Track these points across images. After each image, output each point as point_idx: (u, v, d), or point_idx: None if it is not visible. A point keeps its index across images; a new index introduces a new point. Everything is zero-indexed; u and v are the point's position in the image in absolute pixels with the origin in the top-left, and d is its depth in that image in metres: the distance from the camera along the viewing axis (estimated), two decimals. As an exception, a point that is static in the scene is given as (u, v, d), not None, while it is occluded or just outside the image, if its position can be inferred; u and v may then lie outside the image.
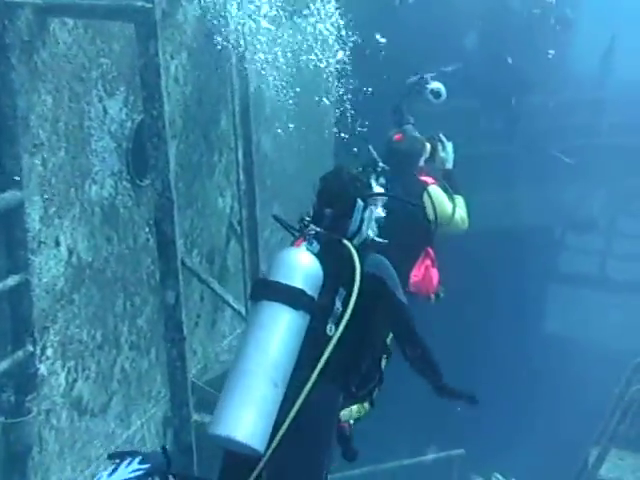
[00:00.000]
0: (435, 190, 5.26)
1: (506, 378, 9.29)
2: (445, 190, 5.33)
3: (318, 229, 3.44)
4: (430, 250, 5.24)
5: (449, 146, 5.56)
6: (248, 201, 5.02)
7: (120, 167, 4.60)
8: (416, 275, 5.12)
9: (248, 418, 3.04)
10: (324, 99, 7.42)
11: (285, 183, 6.88)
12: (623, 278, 12.57)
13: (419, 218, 5.08)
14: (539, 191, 10.47)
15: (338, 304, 3.35)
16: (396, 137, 5.37)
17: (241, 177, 4.98)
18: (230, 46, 4.81)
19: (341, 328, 3.27)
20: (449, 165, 5.56)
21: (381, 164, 4.93)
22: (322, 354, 3.25)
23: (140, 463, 2.79)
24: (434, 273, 5.23)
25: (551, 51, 9.54)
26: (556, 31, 9.85)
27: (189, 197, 5.40)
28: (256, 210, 5.07)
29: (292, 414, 3.16)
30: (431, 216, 5.16)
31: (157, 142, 3.97)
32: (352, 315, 3.31)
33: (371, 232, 3.64)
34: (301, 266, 3.28)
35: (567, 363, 9.82)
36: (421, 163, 5.42)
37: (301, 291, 3.24)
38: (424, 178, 5.33)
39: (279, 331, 3.16)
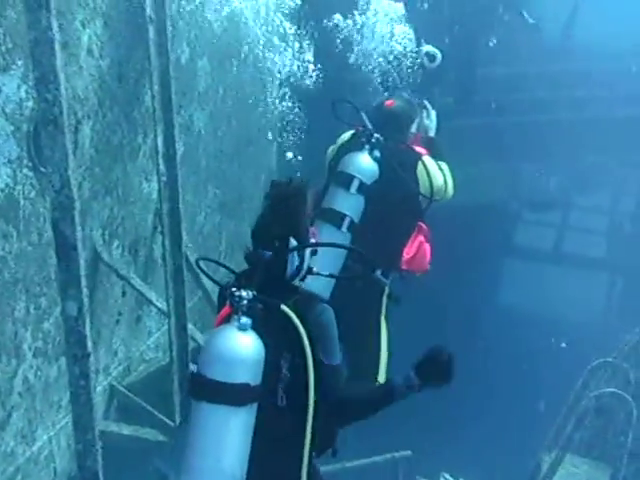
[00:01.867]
0: (429, 161, 4.88)
1: (459, 355, 9.08)
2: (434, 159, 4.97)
3: (250, 295, 2.99)
4: (422, 225, 4.91)
5: (433, 113, 5.23)
6: (170, 194, 4.46)
7: (19, 153, 4.00)
8: (408, 252, 4.84)
9: None
10: (266, 71, 6.88)
11: (222, 164, 6.32)
12: (578, 252, 12.45)
13: (412, 192, 4.76)
14: (495, 168, 10.13)
15: (285, 370, 3.06)
16: (387, 102, 4.95)
17: (162, 167, 4.40)
18: (147, 17, 4.21)
19: (311, 406, 3.02)
20: (432, 133, 5.23)
21: (376, 135, 4.69)
22: (276, 430, 3.04)
23: None
24: (427, 249, 4.93)
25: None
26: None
27: (108, 183, 4.82)
28: (179, 204, 4.51)
29: None
30: (426, 190, 4.80)
31: (53, 131, 3.39)
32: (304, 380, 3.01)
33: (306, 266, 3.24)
34: (241, 357, 2.94)
35: (521, 337, 9.66)
36: (413, 129, 5.04)
37: (245, 386, 2.93)
38: (417, 148, 4.96)
39: (228, 435, 2.92)
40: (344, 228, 4.60)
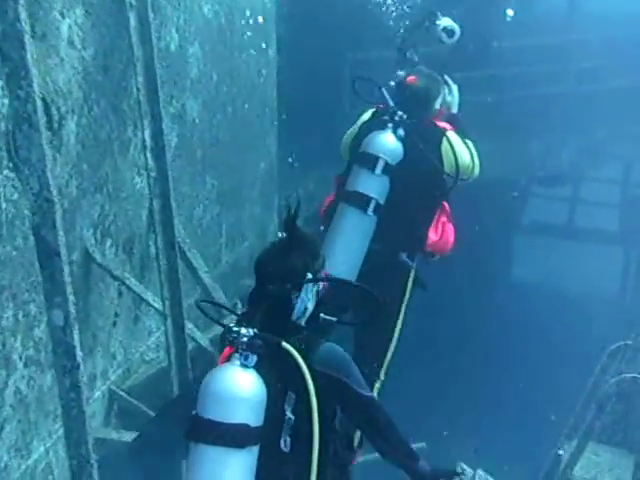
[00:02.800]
0: (455, 138, 4.66)
1: (474, 333, 8.92)
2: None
3: (251, 333, 2.84)
4: (446, 205, 4.72)
5: (454, 88, 4.98)
6: (161, 190, 4.23)
7: (-1, 153, 3.79)
8: (435, 234, 4.68)
9: None
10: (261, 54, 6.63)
11: (218, 153, 6.09)
12: (592, 226, 12.25)
13: (437, 171, 4.56)
14: (505, 143, 9.88)
15: (289, 413, 2.89)
16: (409, 79, 4.71)
17: (150, 161, 4.17)
18: (127, 3, 3.96)
19: (316, 447, 2.84)
20: (454, 109, 4.98)
21: (399, 113, 4.50)
22: (278, 475, 2.89)
23: None
24: (450, 229, 4.76)
25: None
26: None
27: (97, 180, 4.59)
28: (171, 200, 4.28)
29: None
30: (452, 168, 4.61)
31: (28, 130, 3.17)
32: (309, 423, 2.85)
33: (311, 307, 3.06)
34: (240, 396, 2.77)
35: (535, 312, 9.50)
36: (437, 106, 4.81)
37: (244, 427, 2.77)
38: (440, 123, 4.74)
39: (228, 478, 2.77)
40: (370, 211, 4.42)
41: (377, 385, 4.80)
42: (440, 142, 4.60)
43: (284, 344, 2.88)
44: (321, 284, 3.10)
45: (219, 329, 5.32)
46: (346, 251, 4.49)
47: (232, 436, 2.78)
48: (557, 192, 12.16)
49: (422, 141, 4.50)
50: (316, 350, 2.97)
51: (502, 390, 8.00)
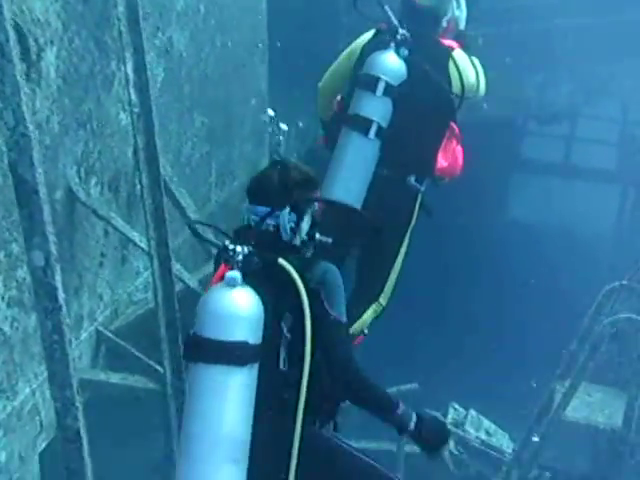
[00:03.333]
0: (461, 56, 4.54)
1: (469, 272, 8.89)
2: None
3: (246, 250, 2.90)
4: (454, 125, 4.63)
5: (463, 2, 4.76)
6: (145, 126, 4.08)
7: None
8: (444, 158, 4.62)
9: None
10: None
11: (207, 89, 5.90)
12: (589, 164, 12.11)
13: (444, 92, 4.45)
14: (501, 79, 9.68)
15: (286, 332, 2.96)
16: None
17: (133, 96, 4.01)
18: None
19: (307, 364, 2.88)
20: (462, 25, 4.80)
21: (402, 31, 4.34)
22: (278, 392, 2.95)
23: None
24: (459, 152, 4.70)
25: None
26: None
27: (80, 115, 4.42)
28: (155, 137, 4.13)
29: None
30: (458, 88, 4.49)
31: (0, 61, 3.01)
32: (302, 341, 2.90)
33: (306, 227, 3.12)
34: (238, 313, 2.82)
35: (531, 250, 9.45)
36: (444, 24, 4.65)
37: (243, 344, 2.80)
38: (447, 42, 4.61)
39: (229, 398, 2.79)
40: (372, 135, 4.32)
41: (375, 308, 4.76)
42: (447, 62, 4.47)
43: (280, 261, 2.91)
44: (316, 206, 3.15)
45: (208, 270, 5.25)
46: (350, 177, 4.38)
47: (233, 354, 2.77)
48: (554, 130, 11.98)
49: (427, 61, 4.35)
50: (311, 269, 3.00)
51: (497, 329, 7.98)
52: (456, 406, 6.46)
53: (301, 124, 7.84)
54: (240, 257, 2.87)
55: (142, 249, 4.56)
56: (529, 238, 10.17)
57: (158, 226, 4.18)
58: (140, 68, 3.97)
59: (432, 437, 3.19)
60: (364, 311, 4.73)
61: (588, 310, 5.67)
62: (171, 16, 5.15)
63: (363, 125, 4.29)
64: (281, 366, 2.95)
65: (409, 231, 4.75)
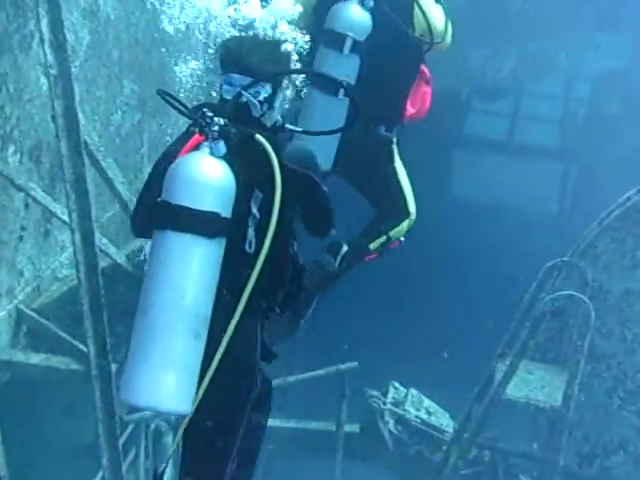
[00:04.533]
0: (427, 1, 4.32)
1: (411, 251, 8.77)
2: None
3: (223, 122, 2.78)
4: (424, 70, 4.48)
5: None
6: (63, 90, 3.80)
7: None
8: (413, 104, 4.50)
9: (170, 383, 2.65)
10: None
11: (138, 55, 5.61)
12: (529, 141, 12.09)
13: (410, 39, 4.28)
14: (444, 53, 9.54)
15: (255, 211, 2.84)
16: None
17: (50, 57, 3.72)
18: None
19: (268, 243, 2.77)
20: None
21: None
22: (240, 276, 2.78)
23: None
24: (428, 94, 4.57)
25: None
26: None
27: (-6, 79, 4.14)
28: (74, 101, 3.85)
29: (217, 359, 2.74)
30: (425, 32, 4.30)
31: None
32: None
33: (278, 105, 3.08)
34: (210, 182, 2.71)
35: (474, 228, 9.40)
36: None
37: (214, 215, 2.70)
38: None
39: (193, 269, 2.68)
40: (341, 95, 4.12)
41: (409, 220, 4.75)
42: (411, 7, 4.28)
43: (257, 136, 2.82)
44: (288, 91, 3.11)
45: (137, 244, 5.01)
46: (320, 137, 4.24)
47: (203, 223, 2.67)
48: (497, 107, 11.90)
49: (391, 8, 4.17)
50: (284, 147, 2.93)
51: (438, 309, 7.88)
52: (397, 385, 6.35)
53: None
54: (216, 128, 2.76)
55: (64, 222, 4.29)
56: (471, 215, 10.10)
57: (80, 197, 3.92)
58: (56, 26, 3.68)
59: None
60: (400, 222, 4.72)
61: (529, 288, 5.58)
62: (97, -26, 4.85)
63: (331, 86, 4.11)
64: (246, 247, 2.83)
65: (396, 162, 4.70)
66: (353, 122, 3.38)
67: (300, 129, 3.22)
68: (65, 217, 4.34)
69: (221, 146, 2.76)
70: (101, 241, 4.48)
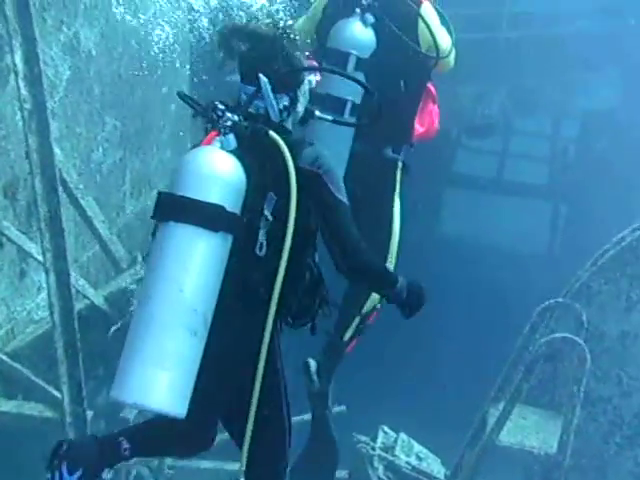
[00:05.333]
0: (430, 12, 4.24)
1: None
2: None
3: (236, 118, 2.76)
4: (431, 87, 4.39)
5: None
6: (37, 125, 3.66)
7: None
8: (421, 123, 4.39)
9: (162, 381, 2.54)
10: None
11: (121, 91, 5.49)
12: (518, 180, 12.03)
13: (415, 55, 4.19)
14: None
15: (267, 213, 2.75)
16: None
17: (23, 91, 3.58)
18: None
19: (287, 245, 2.70)
20: None
21: None
22: (249, 278, 2.75)
23: (69, 471, 2.74)
24: (436, 113, 4.48)
25: None
26: None
27: (-32, 114, 4.00)
28: (50, 138, 3.71)
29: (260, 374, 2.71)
30: (430, 47, 4.20)
31: None
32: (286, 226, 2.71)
33: (302, 107, 3.01)
34: (217, 174, 2.65)
35: (463, 267, 9.25)
36: None
37: (219, 208, 2.62)
38: None
39: (194, 262, 2.59)
40: (347, 114, 4.03)
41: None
42: (415, 21, 4.18)
43: (271, 133, 2.75)
44: (311, 80, 3.01)
45: (117, 285, 4.82)
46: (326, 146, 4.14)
47: (206, 215, 2.60)
48: (486, 144, 11.85)
49: (395, 23, 4.08)
50: (301, 148, 2.83)
51: (426, 350, 7.69)
52: (386, 429, 6.14)
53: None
54: (229, 123, 2.72)
55: (39, 262, 4.12)
56: (461, 254, 9.97)
57: (55, 237, 3.76)
58: (31, 59, 3.54)
59: (415, 302, 3.15)
60: (369, 294, 4.46)
61: (521, 329, 5.42)
62: (78, 8, 4.73)
63: (337, 106, 3.99)
64: (257, 250, 2.73)
65: (396, 195, 4.55)
66: (378, 117, 3.30)
67: (330, 117, 3.16)
68: (41, 256, 4.18)
69: (231, 139, 2.71)
70: (78, 282, 4.32)
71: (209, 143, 2.74)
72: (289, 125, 2.97)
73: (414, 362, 7.38)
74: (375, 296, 4.41)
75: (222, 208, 2.62)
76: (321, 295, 3.02)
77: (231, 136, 2.73)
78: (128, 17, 5.38)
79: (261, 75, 2.82)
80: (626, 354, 5.57)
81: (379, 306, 4.51)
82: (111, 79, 5.31)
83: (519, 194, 11.91)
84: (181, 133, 6.73)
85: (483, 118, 10.12)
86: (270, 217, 2.74)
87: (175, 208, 2.62)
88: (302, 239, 2.82)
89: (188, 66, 6.47)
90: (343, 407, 5.78)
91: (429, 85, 4.42)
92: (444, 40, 4.30)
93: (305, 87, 3.01)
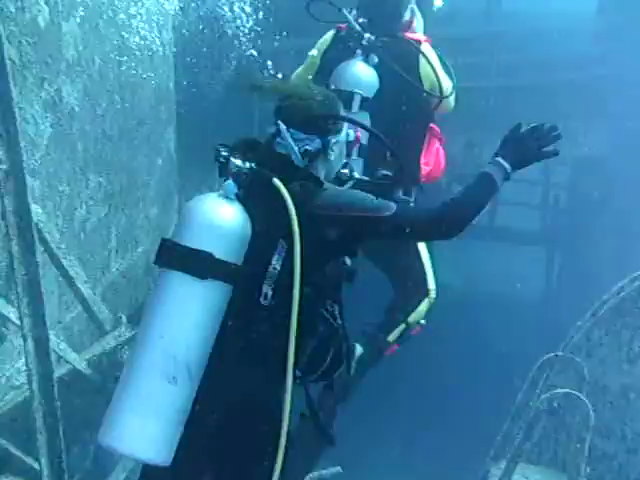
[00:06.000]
0: (430, 51, 4.27)
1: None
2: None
3: (240, 163, 2.73)
4: (434, 126, 4.37)
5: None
6: (15, 186, 3.53)
7: None
8: (427, 163, 4.36)
9: (139, 427, 2.52)
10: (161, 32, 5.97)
11: (105, 147, 5.37)
12: (510, 225, 11.95)
13: (419, 94, 4.21)
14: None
15: (275, 263, 2.67)
16: None
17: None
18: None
19: (296, 294, 2.60)
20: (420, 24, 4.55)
21: (367, 35, 4.09)
22: (250, 328, 2.67)
23: None
24: (441, 153, 4.46)
25: None
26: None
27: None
28: (27, 199, 3.58)
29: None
30: (433, 86, 4.23)
31: None
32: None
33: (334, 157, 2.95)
34: (211, 222, 2.61)
35: (457, 315, 9.07)
36: (407, 17, 4.36)
37: (207, 255, 2.58)
38: (413, 36, 4.32)
39: (179, 309, 2.57)
40: (354, 156, 3.95)
41: (428, 299, 4.56)
42: (417, 61, 4.21)
43: (275, 180, 2.70)
44: (350, 133, 2.98)
45: (100, 348, 4.65)
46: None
47: (193, 262, 2.57)
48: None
49: (397, 63, 4.09)
50: (318, 194, 2.76)
51: (421, 404, 7.48)
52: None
53: (216, 186, 7.38)
54: (235, 169, 2.70)
55: (18, 326, 3.95)
56: (456, 303, 9.80)
57: (33, 302, 3.60)
58: (8, 118, 3.43)
59: (524, 151, 3.03)
60: (418, 304, 4.53)
61: (520, 382, 5.26)
62: (59, 66, 4.63)
63: (345, 99, 3.88)
64: (262, 300, 2.66)
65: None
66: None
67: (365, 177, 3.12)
68: (19, 322, 4.01)
69: (230, 186, 2.67)
70: (59, 346, 4.15)
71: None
72: (319, 172, 2.90)
73: (410, 418, 7.19)
74: (422, 309, 4.47)
75: (210, 255, 2.58)
76: (337, 350, 2.88)
77: (230, 182, 2.69)
78: (111, 74, 5.28)
79: (280, 122, 2.84)
80: (630, 408, 5.40)
81: (424, 322, 4.52)
82: (94, 136, 5.19)
83: (512, 241, 11.84)
84: (168, 188, 6.62)
85: (474, 167, 10.07)
86: (278, 266, 2.67)
87: (168, 255, 2.62)
88: (313, 290, 2.73)
89: (173, 124, 6.39)
90: (338, 468, 5.56)
91: (432, 125, 4.37)
92: (445, 80, 4.29)
93: (341, 137, 2.96)
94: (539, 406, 4.70)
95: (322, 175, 2.92)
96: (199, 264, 2.57)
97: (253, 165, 2.75)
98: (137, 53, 5.66)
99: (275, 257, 2.68)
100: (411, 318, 4.43)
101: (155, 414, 2.54)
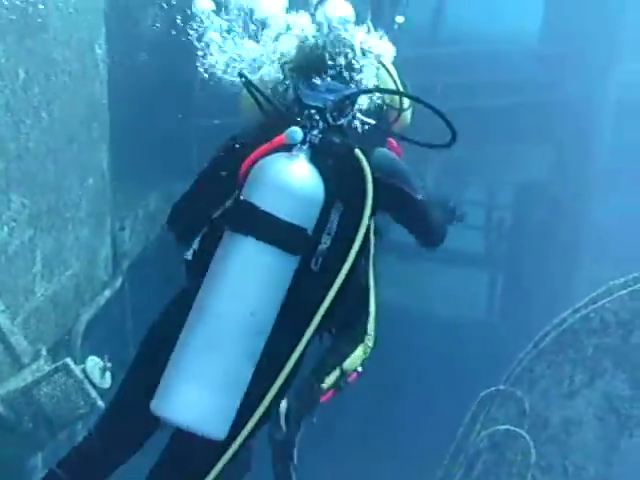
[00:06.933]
0: (390, 65, 4.18)
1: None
2: None
3: (321, 126, 2.76)
4: (392, 141, 4.16)
5: None
6: None
7: None
8: None
9: (211, 404, 2.46)
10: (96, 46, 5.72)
11: (29, 166, 5.09)
12: (456, 248, 11.93)
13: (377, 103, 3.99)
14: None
15: (332, 225, 2.70)
16: None
17: None
18: None
19: (351, 260, 2.63)
20: None
21: None
22: (302, 295, 2.64)
23: None
24: None
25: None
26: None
27: None
28: None
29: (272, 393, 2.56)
30: (391, 99, 4.16)
31: None
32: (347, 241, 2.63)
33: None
34: (306, 195, 2.58)
35: (400, 336, 8.95)
36: None
37: (304, 233, 2.57)
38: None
39: (269, 285, 2.51)
40: None
41: (363, 348, 4.28)
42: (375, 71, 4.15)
43: (357, 151, 2.72)
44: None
45: (15, 384, 4.35)
46: None
47: (289, 238, 2.50)
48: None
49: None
50: (371, 155, 2.80)
51: (358, 428, 7.32)
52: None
53: (152, 206, 7.15)
54: (315, 140, 2.67)
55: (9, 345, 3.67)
56: (398, 324, 9.70)
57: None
58: None
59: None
60: (353, 349, 4.28)
61: (459, 417, 5.14)
62: (-21, 81, 4.37)
63: None
64: (312, 265, 2.66)
65: (370, 265, 4.24)
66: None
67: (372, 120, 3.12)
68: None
69: (311, 152, 2.66)
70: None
71: (274, 147, 2.63)
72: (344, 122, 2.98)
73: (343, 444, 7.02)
74: (358, 355, 4.27)
75: (304, 231, 2.56)
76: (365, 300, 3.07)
77: (306, 148, 2.67)
78: (37, 88, 5.01)
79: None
80: (570, 442, 5.30)
81: (360, 369, 4.35)
82: (17, 154, 4.91)
83: (456, 263, 11.81)
84: (101, 208, 6.34)
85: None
86: (333, 231, 2.69)
87: (256, 224, 2.49)
88: (363, 253, 2.79)
89: (107, 141, 6.12)
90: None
91: (390, 139, 4.25)
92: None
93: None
94: (479, 443, 4.57)
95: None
96: (294, 240, 2.53)
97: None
98: (67, 68, 5.39)
99: (333, 220, 2.70)
100: (347, 364, 4.24)
101: (230, 391, 2.47)
